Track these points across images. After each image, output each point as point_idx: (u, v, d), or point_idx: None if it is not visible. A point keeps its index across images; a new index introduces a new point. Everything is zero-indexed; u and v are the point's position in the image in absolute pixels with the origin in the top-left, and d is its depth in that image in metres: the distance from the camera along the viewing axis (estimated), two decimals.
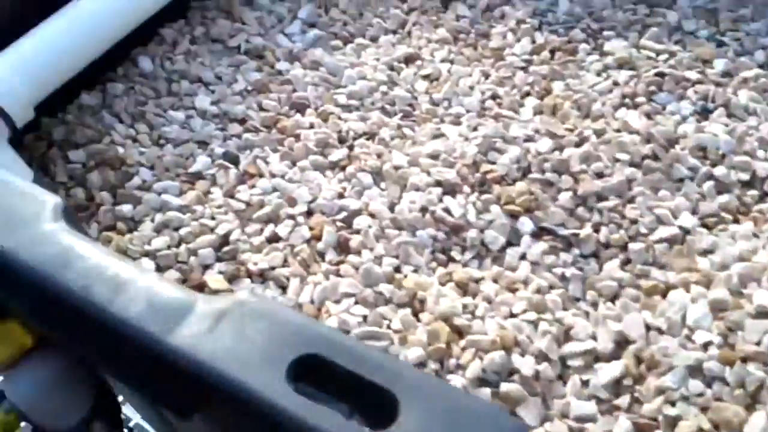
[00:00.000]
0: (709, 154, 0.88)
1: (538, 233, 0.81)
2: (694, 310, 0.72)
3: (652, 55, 1.03)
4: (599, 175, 0.85)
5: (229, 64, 1.00)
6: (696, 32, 1.08)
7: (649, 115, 0.94)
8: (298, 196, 0.82)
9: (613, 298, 0.75)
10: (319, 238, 0.79)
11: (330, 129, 0.90)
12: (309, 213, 0.81)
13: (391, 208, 0.82)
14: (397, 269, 0.77)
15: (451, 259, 0.79)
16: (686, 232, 0.80)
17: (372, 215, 0.81)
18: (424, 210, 0.81)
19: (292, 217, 0.80)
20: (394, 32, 1.09)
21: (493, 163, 0.87)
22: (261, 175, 0.85)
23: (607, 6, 1.13)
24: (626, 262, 0.79)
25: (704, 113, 0.95)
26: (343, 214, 0.80)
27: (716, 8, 1.12)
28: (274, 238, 0.79)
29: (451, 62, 1.04)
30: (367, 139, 0.90)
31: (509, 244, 0.80)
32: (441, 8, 1.16)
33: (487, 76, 1.02)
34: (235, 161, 0.86)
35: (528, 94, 0.99)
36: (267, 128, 0.91)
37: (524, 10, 1.12)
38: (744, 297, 0.73)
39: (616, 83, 0.99)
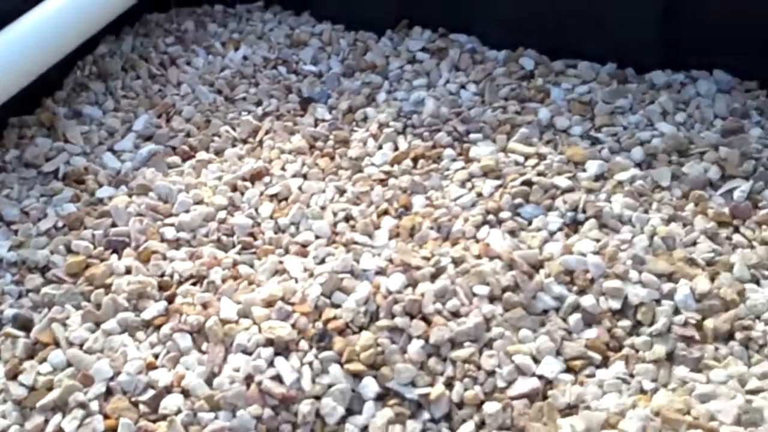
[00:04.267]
0: (576, 279, 0.79)
1: (384, 396, 0.70)
2: None
3: (520, 159, 0.95)
4: (455, 315, 0.76)
5: (42, 194, 0.87)
6: (569, 129, 1.01)
7: (513, 233, 0.85)
8: (96, 372, 0.69)
9: None
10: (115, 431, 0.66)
11: (150, 274, 0.78)
12: (108, 393, 0.68)
13: (209, 381, 0.70)
14: None
15: None
16: (548, 382, 0.71)
17: (185, 393, 0.69)
18: (249, 379, 0.70)
19: (82, 405, 0.66)
20: (245, 141, 0.99)
21: (338, 306, 0.77)
22: (57, 344, 0.72)
23: (476, 104, 1.05)
24: (481, 425, 0.69)
25: (573, 224, 0.87)
26: (150, 393, 0.68)
27: (591, 100, 1.05)
28: None
29: (304, 177, 0.94)
30: (194, 284, 0.78)
31: (349, 412, 0.70)
32: (299, 111, 1.06)
33: (342, 192, 0.92)
34: (28, 326, 0.73)
35: (386, 212, 0.89)
36: (73, 277, 0.78)
37: (388, 112, 1.03)
38: None
39: (480, 194, 0.90)
